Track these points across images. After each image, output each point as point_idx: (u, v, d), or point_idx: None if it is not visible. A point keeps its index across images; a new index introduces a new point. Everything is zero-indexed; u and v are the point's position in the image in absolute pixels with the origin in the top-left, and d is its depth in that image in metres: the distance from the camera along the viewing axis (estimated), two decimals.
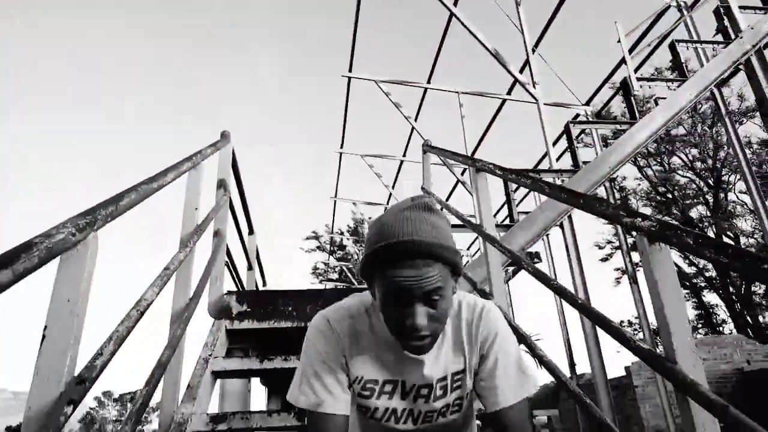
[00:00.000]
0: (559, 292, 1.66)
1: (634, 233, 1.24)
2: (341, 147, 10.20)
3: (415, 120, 8.79)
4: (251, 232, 4.73)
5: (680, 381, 1.09)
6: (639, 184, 23.64)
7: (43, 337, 0.97)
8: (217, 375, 2.31)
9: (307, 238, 31.97)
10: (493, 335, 1.09)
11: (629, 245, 7.00)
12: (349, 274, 20.70)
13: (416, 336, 0.95)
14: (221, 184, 2.87)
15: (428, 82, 7.82)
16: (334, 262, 26.87)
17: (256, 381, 3.95)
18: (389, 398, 1.09)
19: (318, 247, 31.03)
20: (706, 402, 1.02)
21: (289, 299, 2.94)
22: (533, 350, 1.79)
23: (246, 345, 2.80)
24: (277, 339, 3.01)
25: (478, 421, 1.35)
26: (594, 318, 1.42)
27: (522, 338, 1.84)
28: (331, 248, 28.19)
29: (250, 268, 4.66)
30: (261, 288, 5.22)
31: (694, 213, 23.14)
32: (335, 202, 13.20)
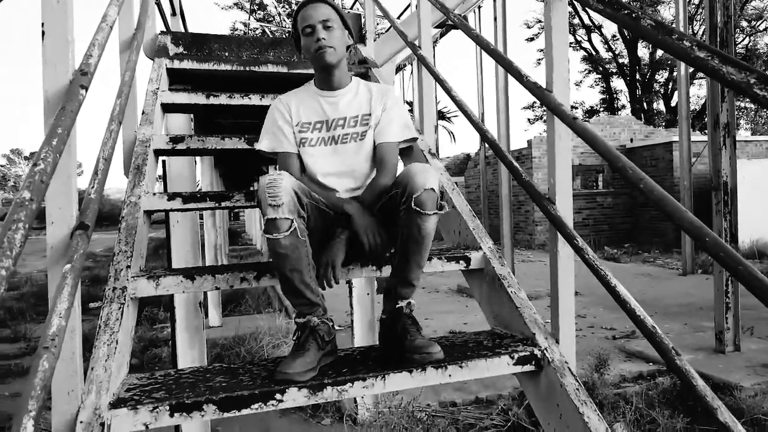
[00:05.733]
0: (478, 41, 1.93)
1: None
2: None
3: None
4: None
5: (551, 103, 1.47)
6: None
7: (43, 33, 1.13)
8: (165, 108, 2.49)
9: None
10: (392, 100, 1.70)
11: None
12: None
13: (321, 46, 1.55)
14: None
15: None
16: (254, 23, 24.93)
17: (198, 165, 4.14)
18: (319, 132, 1.67)
19: (236, 5, 28.28)
20: (564, 116, 1.43)
21: (224, 43, 3.00)
22: (449, 93, 2.13)
23: (189, 86, 2.93)
24: (218, 86, 3.15)
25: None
26: (501, 60, 1.73)
27: (441, 82, 2.17)
28: (251, 7, 25.86)
29: (174, 13, 4.45)
30: None
31: None
32: None
